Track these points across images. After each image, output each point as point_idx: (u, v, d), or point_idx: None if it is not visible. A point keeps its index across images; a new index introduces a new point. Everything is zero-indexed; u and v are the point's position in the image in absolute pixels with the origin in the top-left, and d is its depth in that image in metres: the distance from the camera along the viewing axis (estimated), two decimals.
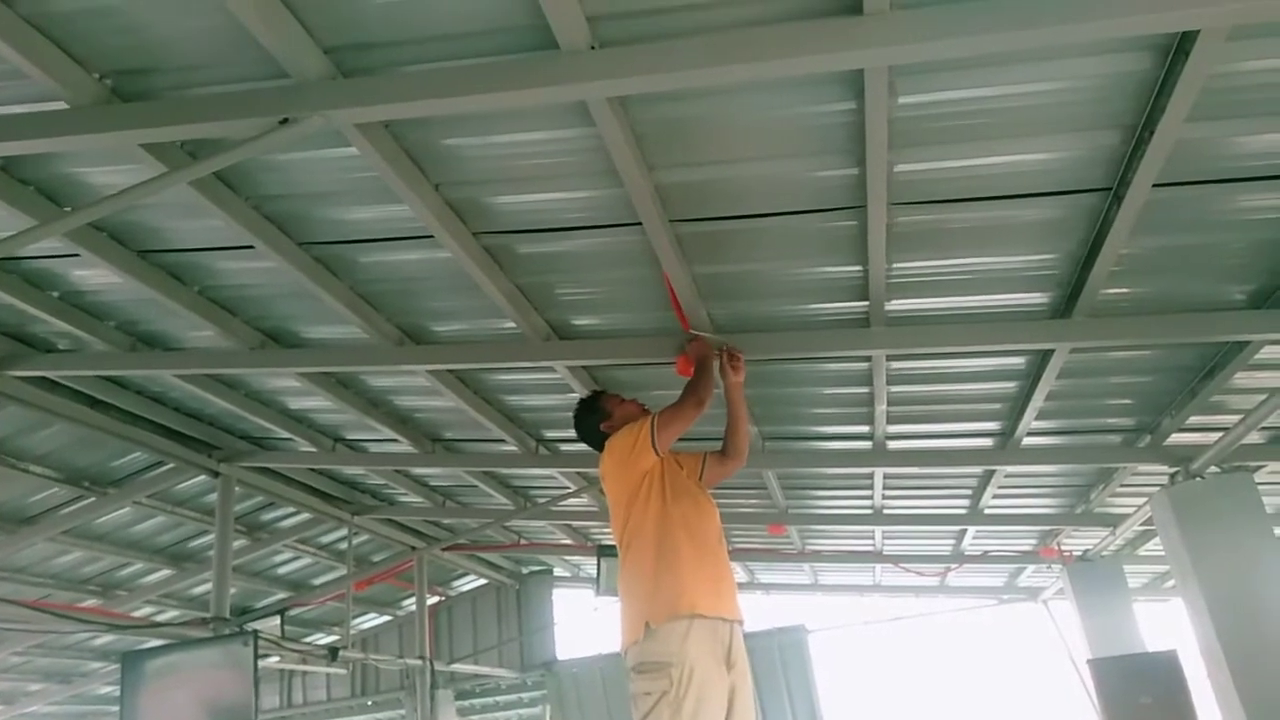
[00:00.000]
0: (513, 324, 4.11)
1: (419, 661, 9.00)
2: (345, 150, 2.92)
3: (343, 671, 8.61)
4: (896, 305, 3.83)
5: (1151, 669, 7.22)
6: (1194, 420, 4.95)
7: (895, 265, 3.54)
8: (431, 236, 3.40)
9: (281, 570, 9.49)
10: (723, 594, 3.21)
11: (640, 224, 3.24)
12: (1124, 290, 3.63)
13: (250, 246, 3.51)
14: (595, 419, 3.67)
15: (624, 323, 4.19)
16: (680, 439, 3.39)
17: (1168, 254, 3.40)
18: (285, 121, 2.48)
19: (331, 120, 2.48)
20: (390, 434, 5.84)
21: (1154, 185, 2.86)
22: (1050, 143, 2.83)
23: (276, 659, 7.14)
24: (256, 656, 5.75)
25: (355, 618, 11.61)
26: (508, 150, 3.00)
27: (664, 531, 3.23)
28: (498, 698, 12.27)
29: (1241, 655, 4.99)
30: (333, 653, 7.32)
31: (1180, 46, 2.37)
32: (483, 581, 11.99)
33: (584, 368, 4.65)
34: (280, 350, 4.47)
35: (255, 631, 5.89)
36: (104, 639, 9.36)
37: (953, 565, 9.90)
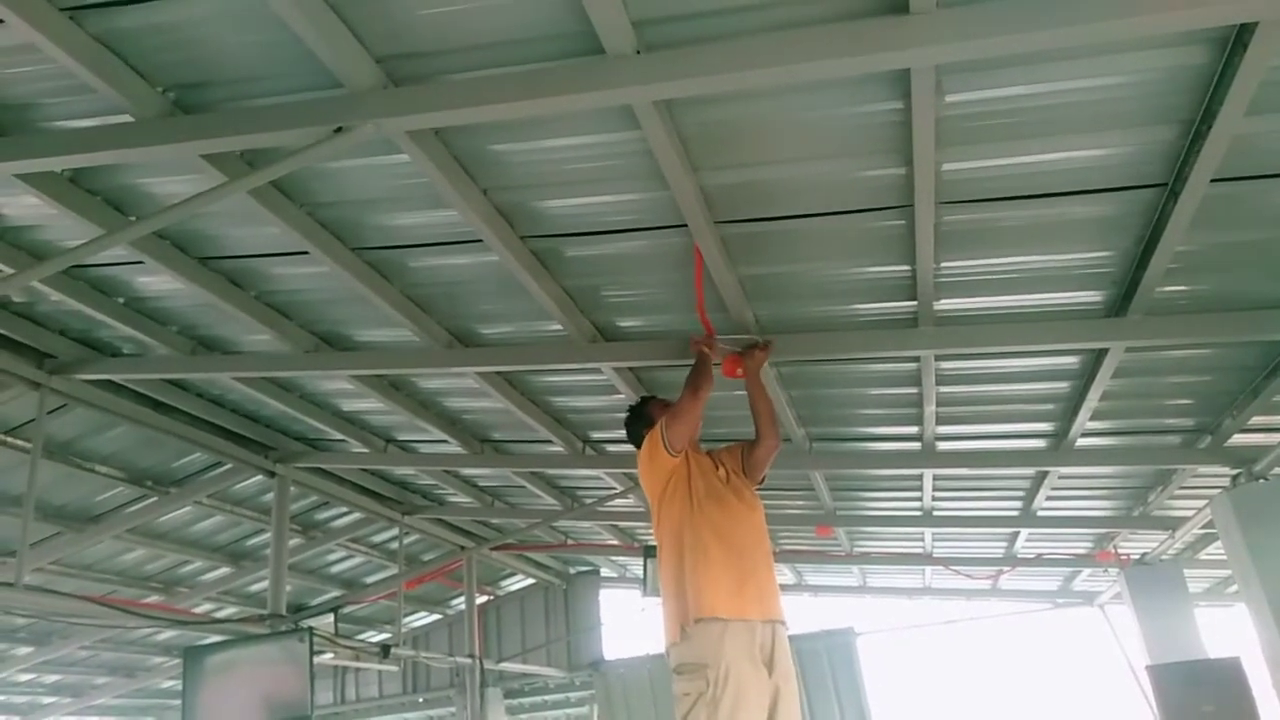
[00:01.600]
0: (559, 326, 4.16)
1: (468, 660, 9.11)
2: (396, 157, 2.99)
3: (394, 669, 8.74)
4: (945, 305, 3.80)
5: (1214, 676, 7.04)
6: (1256, 421, 4.82)
7: (944, 264, 3.51)
8: (480, 240, 3.45)
9: (335, 569, 9.68)
10: (749, 596, 3.19)
11: (685, 225, 3.26)
12: (1181, 288, 3.55)
13: (305, 252, 3.59)
14: (641, 425, 3.70)
15: (669, 324, 4.20)
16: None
17: (1227, 250, 3.32)
18: (339, 130, 2.54)
19: (383, 128, 2.54)
20: (440, 435, 5.93)
21: (1212, 180, 2.80)
22: (1103, 139, 2.79)
23: (331, 655, 7.28)
24: (312, 653, 5.89)
25: (406, 616, 11.79)
26: (554, 155, 3.04)
27: (689, 534, 3.26)
28: (545, 697, 12.36)
29: None
30: (385, 650, 7.45)
31: (1239, 39, 2.32)
32: (531, 581, 12.10)
33: (630, 369, 4.67)
34: (333, 353, 4.58)
35: (310, 628, 6.02)
36: (166, 634, 9.62)
37: (1005, 568, 9.74)
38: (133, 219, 3.38)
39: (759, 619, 3.20)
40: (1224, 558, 5.83)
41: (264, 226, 3.43)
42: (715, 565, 3.20)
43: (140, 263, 3.73)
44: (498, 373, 4.90)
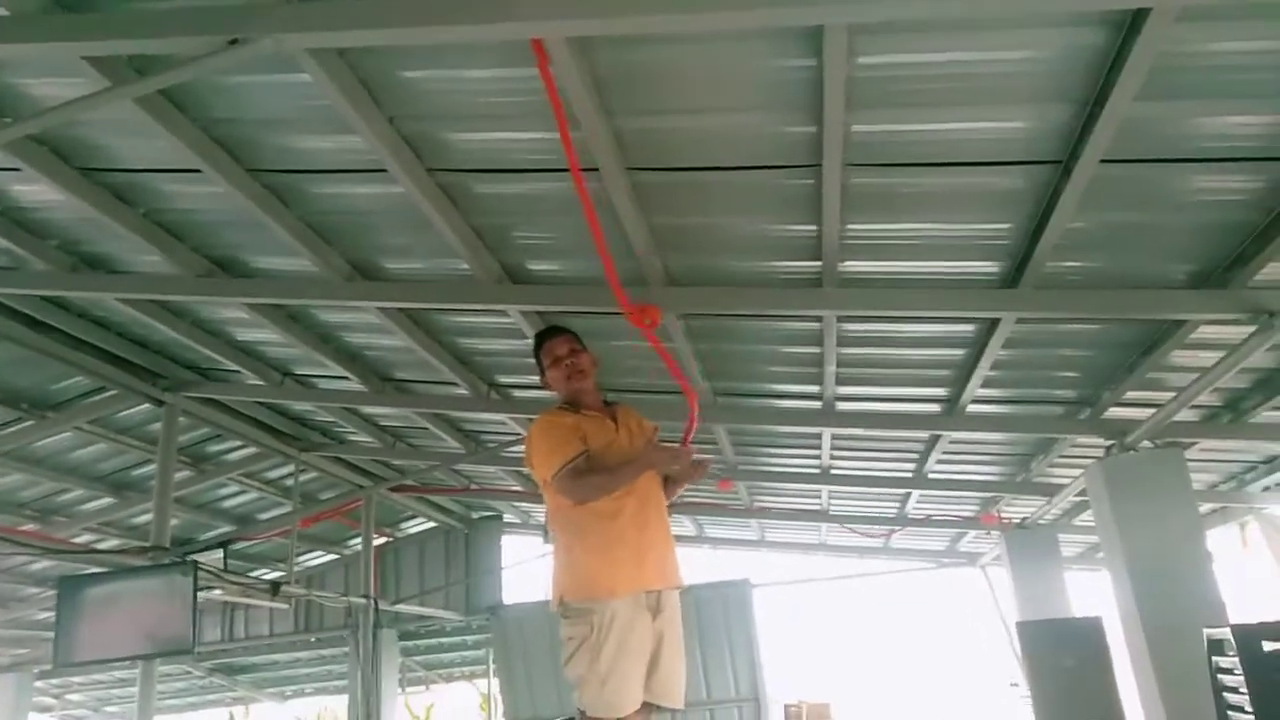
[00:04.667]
0: (466, 265, 4.08)
1: (363, 600, 9.04)
2: (298, 76, 2.85)
3: (284, 607, 8.59)
4: (849, 267, 3.87)
5: (1076, 633, 7.48)
6: (1132, 395, 5.09)
7: (849, 226, 3.56)
8: (385, 170, 3.34)
9: (227, 504, 9.42)
10: (647, 565, 3.19)
11: (598, 169, 3.22)
12: (1071, 264, 3.70)
13: (197, 170, 3.42)
14: (538, 366, 3.64)
15: (580, 269, 4.17)
16: None
17: (1114, 230, 3.46)
18: (235, 42, 2.40)
19: (283, 44, 2.42)
20: (340, 371, 5.79)
21: (1102, 161, 2.90)
22: (1006, 112, 2.85)
23: (218, 591, 7.12)
24: (196, 587, 5.74)
25: (301, 555, 11.59)
26: (465, 86, 2.96)
27: (572, 519, 3.22)
28: (442, 640, 12.38)
29: (1157, 622, 5.19)
30: (274, 587, 7.33)
31: (1133, 24, 2.39)
32: (431, 525, 12.02)
33: (537, 313, 4.63)
34: (228, 279, 4.40)
35: (195, 562, 5.87)
36: (41, 564, 9.25)
37: (896, 528, 10.12)
38: (8, 120, 3.16)
39: (663, 587, 3.22)
40: (1094, 524, 6.18)
41: (153, 139, 3.23)
42: (602, 549, 3.15)
43: (17, 170, 3.49)
44: (402, 309, 4.79)
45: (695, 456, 3.35)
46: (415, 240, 4.00)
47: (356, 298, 4.34)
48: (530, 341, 4.47)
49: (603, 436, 3.35)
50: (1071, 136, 2.90)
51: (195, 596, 5.70)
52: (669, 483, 3.42)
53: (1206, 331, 4.15)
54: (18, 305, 4.94)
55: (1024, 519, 8.76)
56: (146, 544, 6.24)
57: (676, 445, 3.28)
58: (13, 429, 6.31)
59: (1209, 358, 4.35)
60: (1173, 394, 4.74)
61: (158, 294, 4.55)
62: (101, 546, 8.04)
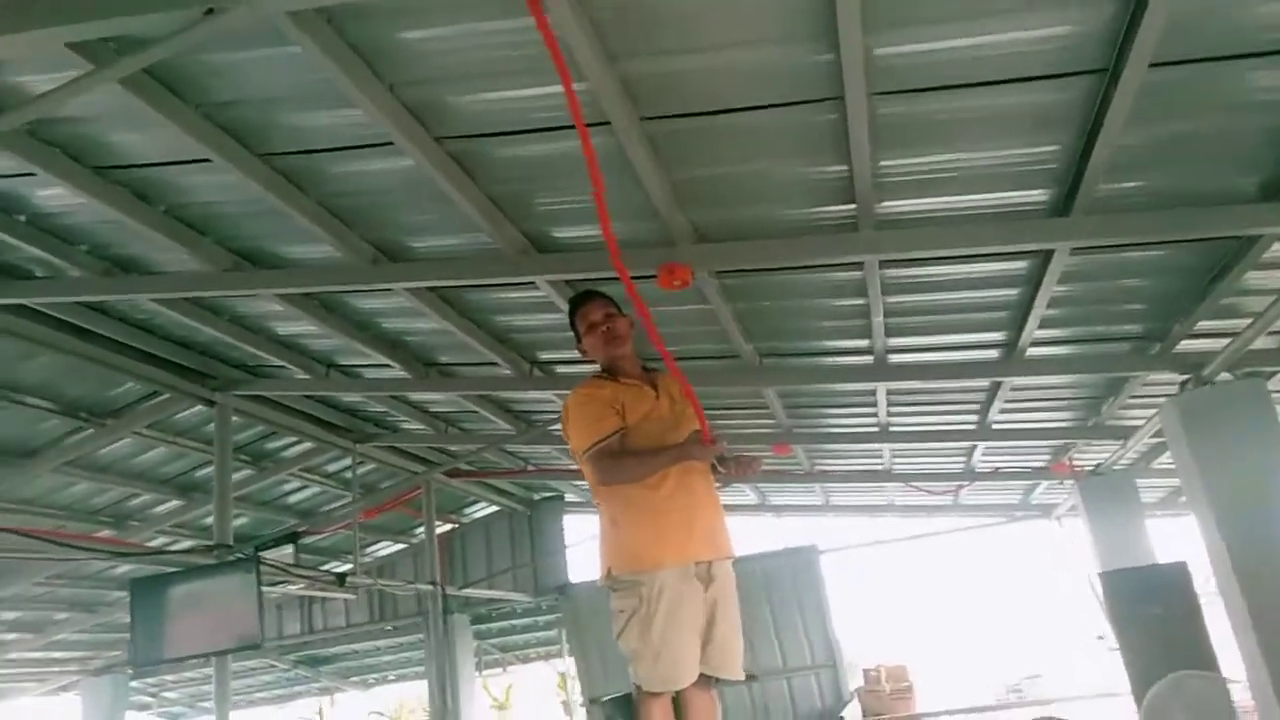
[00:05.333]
0: (488, 238, 3.97)
1: (429, 587, 9.10)
2: (290, 48, 2.75)
3: (351, 596, 8.72)
4: (886, 207, 3.66)
5: (1161, 580, 7.18)
6: (1205, 325, 4.77)
7: (883, 163, 3.35)
8: (392, 143, 3.24)
9: (291, 499, 9.56)
10: (695, 535, 3.11)
11: (609, 123, 3.07)
12: (1125, 185, 3.43)
13: (206, 159, 3.37)
14: (575, 334, 3.55)
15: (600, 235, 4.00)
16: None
17: (1170, 143, 3.19)
18: (210, 12, 2.31)
19: (257, 8, 2.32)
20: (382, 359, 5.76)
21: (1151, 65, 2.65)
22: (1040, 18, 2.61)
23: (294, 586, 7.24)
24: (260, 582, 5.81)
25: (370, 546, 11.77)
26: (462, 43, 2.82)
27: (616, 490, 3.15)
28: (513, 621, 12.48)
29: (1248, 565, 4.89)
30: (340, 578, 7.40)
31: None
32: (495, 509, 12.09)
33: (566, 283, 4.51)
34: (254, 271, 4.37)
35: (258, 557, 5.94)
36: (124, 569, 9.52)
37: (964, 483, 9.84)
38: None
39: (711, 558, 3.14)
40: (1174, 466, 5.85)
41: (157, 130, 3.17)
42: (648, 520, 3.08)
43: (32, 174, 3.49)
44: (432, 290, 4.72)
45: (743, 454, 3.27)
46: (434, 216, 3.90)
47: (380, 280, 4.26)
48: (564, 314, 4.39)
49: (642, 406, 3.25)
50: (1116, 39, 2.65)
51: (260, 592, 5.76)
52: (720, 465, 3.30)
53: None
54: (62, 315, 4.99)
55: (1098, 465, 8.40)
56: (212, 543, 6.34)
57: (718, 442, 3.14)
58: (75, 438, 6.46)
59: None
60: (1249, 320, 4.42)
61: (186, 291, 4.54)
62: (177, 549, 8.21)
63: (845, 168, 3.36)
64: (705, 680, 3.07)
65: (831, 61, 2.78)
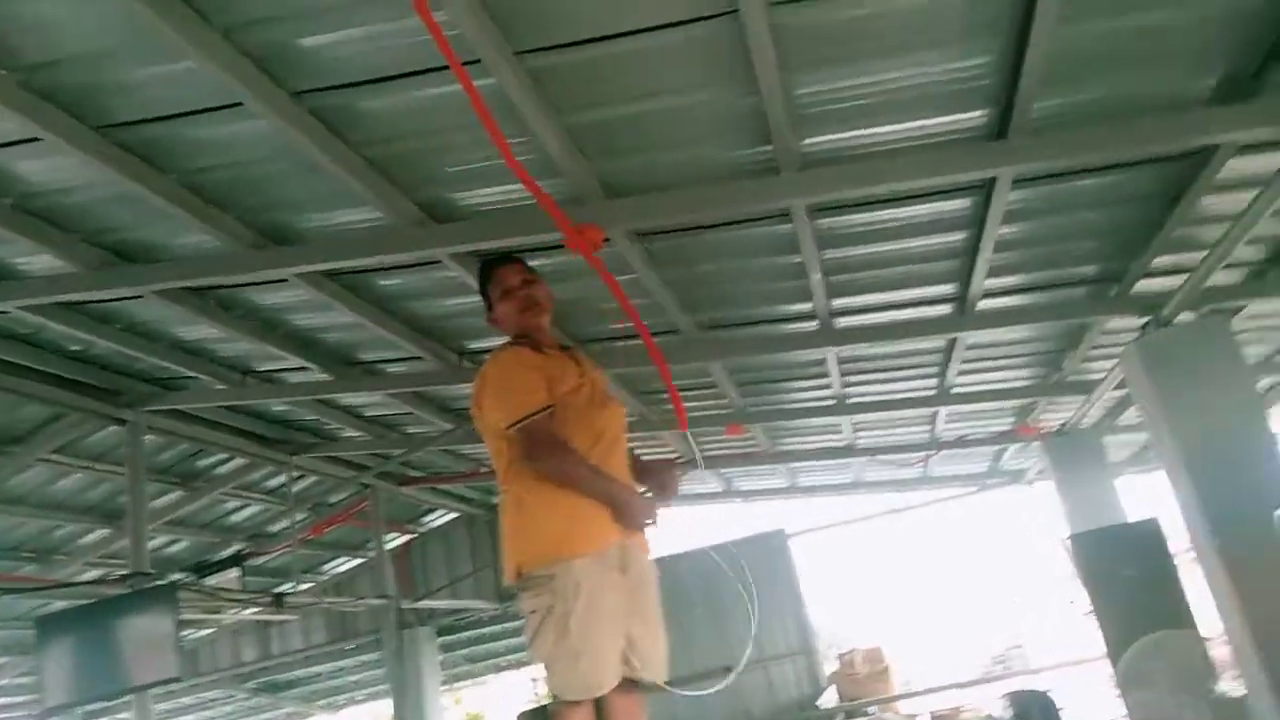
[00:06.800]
0: (375, 210, 3.58)
1: (381, 601, 8.68)
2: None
3: (293, 618, 8.29)
4: (808, 144, 3.31)
5: (1133, 539, 6.90)
6: (1162, 262, 4.51)
7: (798, 91, 3.02)
8: (241, 103, 2.85)
9: (233, 519, 9.08)
10: (606, 521, 2.77)
11: (480, 61, 2.69)
12: (1064, 100, 3.13)
13: (37, 139, 2.95)
14: (485, 302, 3.20)
15: (516, 195, 3.60)
16: None
17: (1110, 44, 2.87)
18: None
19: None
20: (298, 361, 5.35)
21: None
22: None
23: (225, 611, 6.80)
24: (177, 610, 5.38)
25: (326, 563, 11.30)
26: None
27: (522, 474, 2.82)
28: (481, 631, 12.06)
29: (1221, 512, 4.61)
30: (277, 599, 6.96)
31: None
32: (454, 515, 11.65)
33: (477, 256, 4.10)
34: (125, 267, 3.93)
35: (174, 584, 5.53)
36: (60, 604, 9.01)
37: (930, 453, 9.58)
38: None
39: (625, 540, 2.80)
40: (1140, 420, 5.58)
41: None
42: (560, 504, 2.76)
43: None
44: (332, 278, 4.31)
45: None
46: (314, 190, 3.49)
47: (264, 267, 3.84)
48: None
49: (568, 380, 2.91)
50: None
51: (176, 620, 5.33)
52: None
53: (1239, 165, 3.55)
54: None
55: (1063, 425, 8.16)
56: (128, 571, 5.89)
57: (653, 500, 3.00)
58: None
59: (1245, 198, 3.74)
60: (1207, 250, 4.14)
61: (53, 296, 4.05)
62: (80, 579, 7.70)
63: (755, 98, 3.01)
64: (628, 684, 2.72)
65: None
